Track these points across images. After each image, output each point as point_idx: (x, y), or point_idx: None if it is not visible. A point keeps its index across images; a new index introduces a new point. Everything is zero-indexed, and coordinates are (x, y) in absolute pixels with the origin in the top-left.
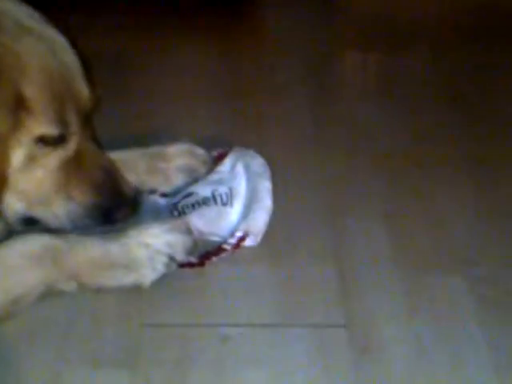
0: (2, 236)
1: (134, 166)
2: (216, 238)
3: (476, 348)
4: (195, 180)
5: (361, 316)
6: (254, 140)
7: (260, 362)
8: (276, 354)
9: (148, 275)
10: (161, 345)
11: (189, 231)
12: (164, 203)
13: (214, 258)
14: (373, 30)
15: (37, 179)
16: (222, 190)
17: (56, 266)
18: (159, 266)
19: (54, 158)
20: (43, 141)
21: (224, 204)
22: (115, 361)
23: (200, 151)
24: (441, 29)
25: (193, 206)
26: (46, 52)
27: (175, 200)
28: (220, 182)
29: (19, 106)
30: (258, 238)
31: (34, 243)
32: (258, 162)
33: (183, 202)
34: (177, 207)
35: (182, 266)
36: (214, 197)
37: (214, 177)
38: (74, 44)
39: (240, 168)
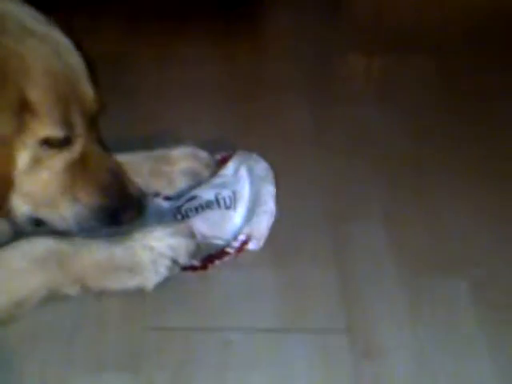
0: (7, 238)
1: (138, 169)
2: (219, 242)
3: (477, 351)
4: (199, 183)
5: (362, 321)
6: (257, 143)
7: (262, 366)
8: (278, 359)
9: (151, 278)
10: (164, 348)
11: (192, 235)
12: (167, 206)
13: (217, 262)
14: (375, 33)
15: (42, 181)
16: (226, 193)
17: (60, 269)
18: (162, 270)
19: (59, 160)
20: (48, 143)
21: (227, 207)
22: (119, 364)
23: (203, 154)
24: (443, 32)
25: (196, 209)
26: (51, 54)
27: (179, 203)
28: (223, 185)
29: (24, 108)
30: (261, 242)
31: (38, 246)
32: (261, 166)
33: (187, 206)
34: (180, 210)
35: (184, 269)
36: (217, 200)
37: (217, 180)
38: (78, 46)
39: (243, 172)
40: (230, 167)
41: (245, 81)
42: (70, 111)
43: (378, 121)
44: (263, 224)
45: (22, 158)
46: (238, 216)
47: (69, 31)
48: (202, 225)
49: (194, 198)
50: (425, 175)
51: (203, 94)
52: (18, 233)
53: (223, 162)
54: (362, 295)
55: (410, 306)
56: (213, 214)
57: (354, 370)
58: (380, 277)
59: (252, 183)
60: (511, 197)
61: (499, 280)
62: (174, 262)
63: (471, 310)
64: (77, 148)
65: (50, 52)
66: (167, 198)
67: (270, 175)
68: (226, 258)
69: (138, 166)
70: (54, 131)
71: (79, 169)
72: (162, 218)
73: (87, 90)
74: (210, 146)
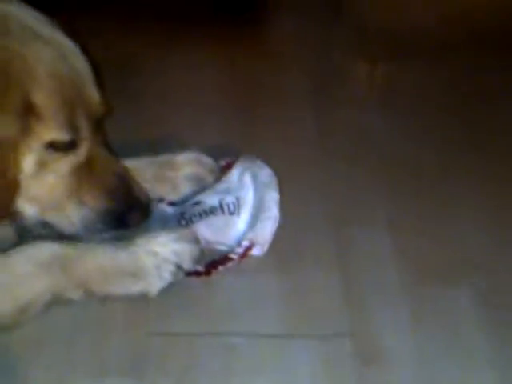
0: (12, 243)
1: (143, 174)
2: (223, 247)
3: (479, 358)
4: (203, 189)
5: (365, 326)
6: (260, 149)
7: (266, 372)
8: (281, 364)
9: (155, 284)
10: (167, 353)
11: (196, 240)
12: (172, 212)
13: (221, 268)
14: (377, 38)
15: (48, 185)
16: (230, 199)
17: (64, 274)
18: (166, 275)
19: (64, 164)
20: (54, 146)
21: (231, 213)
22: (122, 369)
23: (208, 160)
24: (445, 37)
25: (200, 215)
26: (56, 57)
27: (183, 209)
28: (227, 191)
29: (28, 111)
30: (265, 248)
31: (42, 251)
32: (265, 172)
33: (191, 211)
34: (184, 216)
35: (188, 274)
36: (221, 206)
37: (221, 186)
38: (83, 49)
39: (247, 178)
40: (234, 173)
41: (249, 86)
42: (75, 114)
43: (380, 126)
44: (267, 230)
45: (28, 161)
46: (241, 222)
47: (73, 34)
48: (206, 230)
49: (198, 203)
50: (427, 181)
51: (208, 99)
52: (23, 237)
53: (227, 167)
54: (366, 301)
55: (412, 312)
56: (217, 220)
57: (357, 376)
58: (383, 283)
59: (256, 189)
60: None
61: (502, 287)
62: (178, 267)
63: (474, 316)
64: (82, 151)
65: (54, 55)
66: (171, 204)
67: (274, 181)
68: (230, 264)
69: (142, 172)
70: (60, 134)
71: (85, 172)
72: (166, 224)
73: (93, 94)
74: (214, 152)
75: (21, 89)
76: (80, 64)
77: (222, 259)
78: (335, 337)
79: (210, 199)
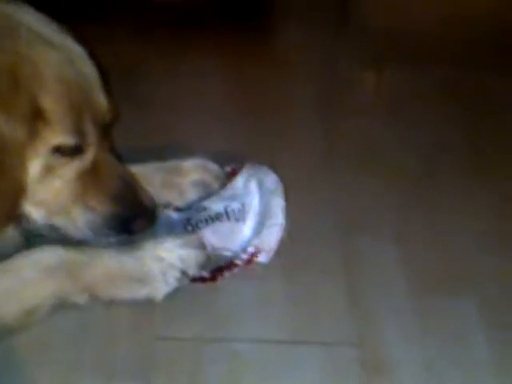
0: (18, 247)
1: (150, 180)
2: (228, 254)
3: (486, 367)
4: (209, 195)
5: (372, 335)
6: (267, 156)
7: (271, 378)
8: (286, 371)
9: (161, 289)
10: (173, 358)
11: (202, 246)
12: (177, 218)
13: (226, 273)
14: (384, 47)
15: (54, 189)
16: (235, 205)
17: (70, 278)
18: (172, 280)
19: (71, 169)
20: (60, 151)
21: (237, 220)
22: (128, 373)
23: (214, 166)
24: (454, 45)
25: (206, 221)
26: (64, 62)
27: (189, 215)
28: (233, 197)
29: (36, 115)
30: (270, 254)
31: (48, 255)
32: (271, 179)
33: (197, 217)
34: (190, 222)
35: (194, 280)
36: (226, 212)
37: (227, 192)
38: (92, 55)
39: (253, 184)
40: (240, 180)
41: (255, 94)
42: (82, 119)
43: (388, 135)
44: (272, 236)
45: (34, 165)
46: (247, 228)
47: (82, 40)
48: (212, 236)
49: (204, 209)
50: (438, 192)
51: (215, 106)
52: (29, 242)
53: (233, 174)
54: (372, 309)
55: (419, 321)
56: (222, 226)
57: None
58: (389, 291)
59: (262, 196)
60: None
61: (508, 297)
62: (184, 273)
63: (480, 325)
64: (89, 157)
65: (63, 60)
66: (177, 210)
67: (280, 188)
68: (236, 270)
69: (149, 177)
70: (66, 139)
71: (91, 177)
72: (172, 229)
73: (100, 99)
74: (220, 158)
75: (29, 93)
76: (88, 69)
77: (228, 265)
78: (341, 345)
79: (216, 205)
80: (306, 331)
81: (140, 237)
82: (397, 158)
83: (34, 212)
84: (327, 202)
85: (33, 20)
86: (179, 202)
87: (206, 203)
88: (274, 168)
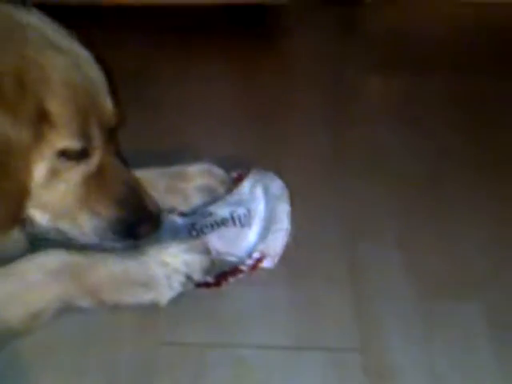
0: (23, 250)
1: (154, 185)
2: (233, 259)
3: (490, 372)
4: (214, 200)
5: (376, 341)
6: (273, 162)
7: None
8: (291, 376)
9: (165, 293)
10: (177, 363)
11: (206, 251)
12: (182, 223)
13: (231, 279)
14: (392, 53)
15: (59, 193)
16: (241, 211)
17: (74, 282)
18: (176, 285)
19: (76, 173)
20: (66, 155)
21: (242, 225)
22: (132, 378)
23: (219, 172)
24: (461, 51)
25: (211, 226)
26: (70, 66)
27: (194, 220)
28: (239, 203)
29: (42, 118)
30: (275, 260)
31: (53, 259)
32: (276, 185)
33: (202, 222)
34: (195, 227)
35: (198, 285)
36: (232, 218)
37: (232, 198)
38: (98, 59)
39: (259, 190)
40: (246, 185)
41: (262, 99)
42: (88, 123)
43: (395, 142)
44: (278, 242)
45: (40, 169)
46: (252, 234)
47: (89, 45)
48: (217, 242)
49: (209, 214)
50: (441, 198)
51: (222, 111)
52: (34, 245)
53: (239, 179)
54: (376, 315)
55: (423, 327)
56: (228, 232)
57: None
58: (394, 297)
59: (267, 201)
60: None
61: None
62: (188, 277)
63: (484, 330)
64: (94, 161)
65: (69, 64)
66: (182, 214)
67: (286, 194)
68: (240, 276)
69: (154, 182)
70: (72, 143)
71: (96, 181)
72: (177, 234)
73: (106, 103)
74: (226, 164)
75: (35, 96)
76: (94, 74)
77: (233, 271)
78: (346, 351)
79: (222, 211)
80: (310, 337)
81: (144, 242)
82: (402, 165)
83: (39, 216)
84: (332, 208)
85: (40, 24)
86: (184, 207)
87: (212, 208)
88: (280, 174)
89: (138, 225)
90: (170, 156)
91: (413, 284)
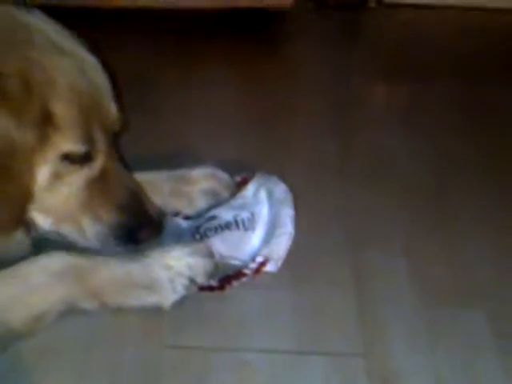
0: (26, 252)
1: (159, 188)
2: (237, 262)
3: (494, 380)
4: (218, 204)
5: (379, 346)
6: (277, 167)
7: None
8: (293, 381)
9: (168, 297)
10: (180, 367)
11: (210, 254)
12: (186, 226)
13: (235, 283)
14: (395, 59)
15: (62, 197)
16: (245, 214)
17: (78, 284)
18: (180, 288)
19: (79, 177)
20: (69, 159)
21: (246, 229)
22: (135, 381)
23: (223, 175)
24: (465, 58)
25: (215, 229)
26: (75, 70)
27: (198, 223)
28: (242, 206)
29: (46, 121)
30: (279, 264)
31: (56, 261)
32: (280, 189)
33: (205, 226)
34: (199, 230)
35: (202, 289)
36: (236, 221)
37: (236, 201)
38: (104, 64)
39: (263, 194)
40: (250, 189)
41: (265, 104)
42: (92, 127)
43: (399, 148)
44: (281, 246)
45: (43, 172)
46: (256, 238)
47: (94, 48)
48: (221, 245)
49: (213, 218)
50: (446, 204)
51: (225, 115)
52: (37, 247)
53: (243, 183)
54: (380, 320)
55: (427, 334)
56: (231, 235)
57: None
58: (398, 303)
59: (271, 205)
60: None
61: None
62: (192, 280)
63: (488, 339)
64: (97, 165)
65: (74, 68)
66: (186, 218)
67: (289, 198)
68: (244, 279)
69: (158, 186)
70: (76, 146)
71: (99, 186)
72: (181, 238)
73: (110, 108)
74: (230, 167)
75: (41, 98)
76: (99, 78)
77: (236, 274)
78: (350, 356)
79: (226, 214)
80: (314, 341)
81: (147, 245)
82: (405, 171)
83: (41, 219)
84: (336, 212)
85: (44, 25)
86: (188, 211)
87: (216, 212)
88: (284, 178)
89: (138, 230)
90: (172, 160)
91: (417, 291)
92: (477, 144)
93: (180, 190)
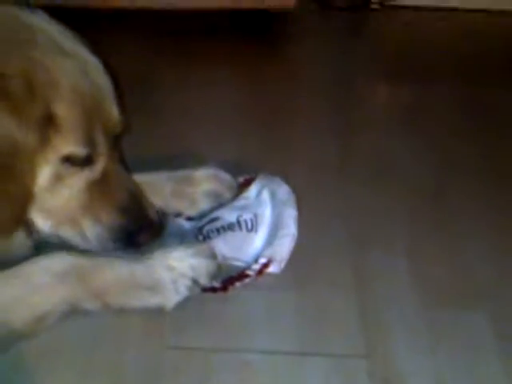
0: (28, 253)
1: (161, 189)
2: (240, 264)
3: (496, 379)
4: (220, 205)
5: (382, 347)
6: (279, 168)
7: None
8: (295, 382)
9: (171, 298)
10: (182, 368)
11: (213, 256)
12: (189, 227)
13: (238, 284)
14: (397, 61)
15: (63, 198)
16: (247, 216)
17: (80, 285)
18: (182, 289)
19: (80, 179)
20: (70, 161)
21: (249, 230)
22: (137, 381)
23: (226, 176)
24: (466, 64)
25: (218, 230)
26: (78, 72)
27: (200, 224)
28: (245, 207)
29: (48, 121)
30: (282, 265)
31: (59, 261)
32: (283, 190)
33: (208, 227)
34: (202, 231)
35: (204, 290)
36: (238, 222)
37: (239, 202)
38: (106, 66)
39: (266, 195)
40: (253, 190)
41: (268, 106)
42: (93, 129)
43: (401, 149)
44: (284, 247)
45: (44, 173)
46: (259, 239)
47: (96, 50)
48: (224, 246)
49: (215, 219)
50: (446, 205)
51: (227, 116)
52: (39, 248)
53: (246, 184)
54: (382, 322)
55: (428, 333)
56: (234, 236)
57: None
58: (399, 304)
59: (274, 206)
60: None
61: None
62: (195, 282)
63: (490, 340)
64: (98, 167)
65: (77, 70)
66: (189, 219)
67: (292, 199)
68: (247, 280)
69: (160, 186)
70: (77, 148)
71: (99, 188)
72: (184, 239)
73: (112, 110)
74: (232, 169)
75: (43, 99)
76: (101, 80)
77: (239, 275)
78: (352, 357)
79: (228, 215)
80: (316, 342)
81: (148, 247)
82: (407, 172)
83: (41, 221)
84: (338, 213)
85: (47, 26)
86: (191, 212)
87: (219, 213)
88: (287, 179)
89: (138, 233)
90: (173, 161)
91: (419, 291)
92: (477, 145)
93: (182, 191)
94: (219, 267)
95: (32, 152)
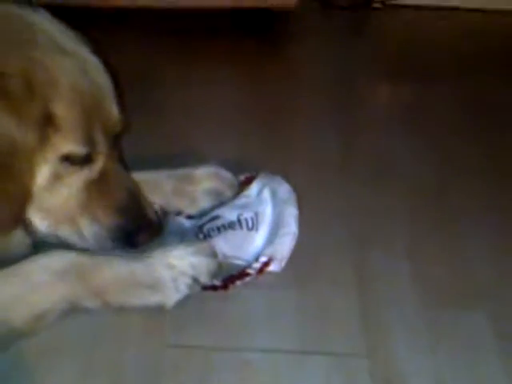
0: (26, 251)
1: (161, 188)
2: (240, 262)
3: (496, 379)
4: (221, 203)
5: (382, 347)
6: (280, 166)
7: None
8: (295, 381)
9: (171, 296)
10: (183, 366)
11: (213, 254)
12: (189, 225)
13: (238, 282)
14: (399, 60)
15: (61, 198)
16: (248, 214)
17: (80, 283)
18: (183, 287)
19: (78, 178)
20: (69, 160)
21: (249, 229)
22: (137, 380)
23: (227, 175)
24: (469, 61)
25: (218, 229)
26: (78, 71)
27: (201, 222)
28: (246, 206)
29: (48, 121)
30: (283, 264)
31: (58, 259)
32: (284, 189)
33: (209, 225)
34: (202, 230)
35: (205, 288)
36: (239, 221)
37: (240, 201)
38: (106, 65)
39: (266, 193)
40: (253, 188)
41: (269, 104)
42: (93, 129)
43: (402, 148)
44: (285, 246)
45: (43, 172)
46: (259, 237)
47: (99, 50)
48: (224, 245)
49: (216, 217)
50: (447, 205)
51: (228, 115)
52: (38, 246)
53: (246, 183)
54: (382, 321)
55: (429, 335)
56: (235, 235)
57: None
58: (400, 304)
59: (275, 205)
60: None
61: None
62: (195, 280)
63: (490, 340)
64: (97, 167)
65: (77, 69)
66: (189, 217)
67: (293, 197)
68: (247, 279)
69: (160, 185)
70: (76, 148)
71: (98, 188)
72: (184, 237)
73: (112, 109)
74: (233, 167)
75: (43, 98)
76: (101, 79)
77: (240, 274)
78: (352, 357)
79: (229, 214)
80: (317, 341)
81: (145, 249)
82: (408, 172)
83: (39, 221)
84: (340, 213)
85: (48, 25)
86: (191, 210)
87: (219, 211)
88: (287, 178)
89: (136, 233)
90: (174, 160)
91: (420, 291)
92: (478, 144)
93: (183, 190)
94: (220, 266)
95: (31, 151)
